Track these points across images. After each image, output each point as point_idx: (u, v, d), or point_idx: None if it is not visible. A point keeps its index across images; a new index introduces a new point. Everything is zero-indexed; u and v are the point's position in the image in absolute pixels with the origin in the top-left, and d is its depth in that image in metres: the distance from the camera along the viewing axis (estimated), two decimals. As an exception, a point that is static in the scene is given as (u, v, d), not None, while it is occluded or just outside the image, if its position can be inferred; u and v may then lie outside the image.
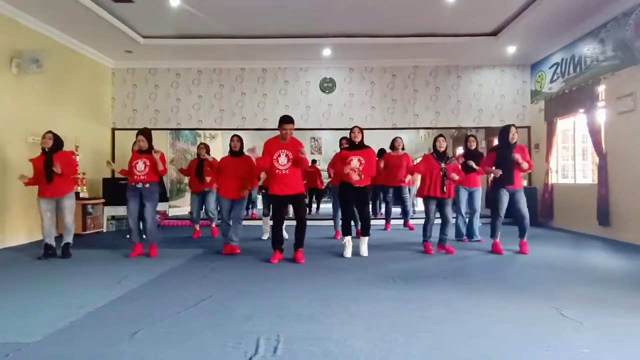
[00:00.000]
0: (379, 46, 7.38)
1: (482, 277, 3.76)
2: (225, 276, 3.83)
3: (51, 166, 4.57)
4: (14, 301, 3.06)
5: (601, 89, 6.22)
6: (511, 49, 7.47)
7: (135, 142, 5.49)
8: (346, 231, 4.73)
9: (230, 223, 4.96)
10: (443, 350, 2.12)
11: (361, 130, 4.77)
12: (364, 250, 4.71)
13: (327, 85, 8.35)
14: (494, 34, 7.05)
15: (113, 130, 8.21)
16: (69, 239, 4.79)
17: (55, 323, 2.53)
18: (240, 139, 5.17)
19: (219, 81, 8.29)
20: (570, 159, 7.45)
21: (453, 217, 5.08)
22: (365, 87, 8.34)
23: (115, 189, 7.30)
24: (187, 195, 8.83)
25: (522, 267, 4.14)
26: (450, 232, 5.06)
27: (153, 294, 3.25)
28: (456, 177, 4.71)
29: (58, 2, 5.49)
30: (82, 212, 6.69)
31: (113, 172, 8.00)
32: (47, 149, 4.68)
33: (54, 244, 4.72)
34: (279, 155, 4.33)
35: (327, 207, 9.68)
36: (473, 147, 5.66)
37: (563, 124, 7.45)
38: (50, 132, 4.77)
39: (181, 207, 10.51)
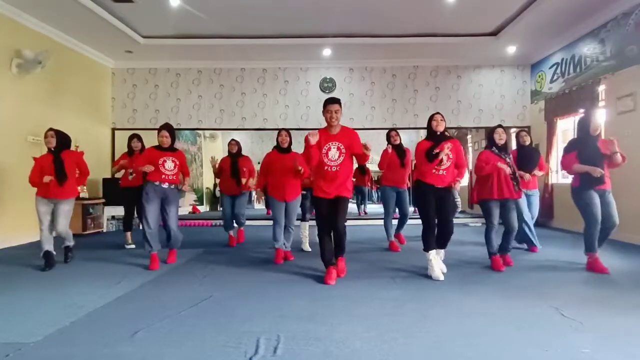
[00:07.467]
0: (379, 46, 7.38)
1: (482, 277, 3.75)
2: (225, 276, 3.83)
3: (62, 167, 4.17)
4: (14, 301, 3.06)
5: (601, 89, 6.22)
6: (511, 49, 7.47)
7: (131, 140, 5.46)
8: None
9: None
10: (443, 350, 2.11)
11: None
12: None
13: (327, 85, 8.36)
14: (494, 34, 7.06)
15: (113, 130, 8.22)
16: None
17: (55, 323, 2.53)
18: (289, 134, 4.59)
19: (219, 81, 8.30)
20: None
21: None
22: (365, 87, 8.34)
23: (115, 189, 7.32)
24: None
25: (522, 267, 4.13)
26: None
27: (153, 294, 3.25)
28: (528, 177, 3.94)
29: (58, 2, 5.50)
30: (82, 212, 6.68)
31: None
32: (52, 148, 4.25)
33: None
34: (329, 149, 3.58)
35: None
36: (527, 143, 4.87)
37: (563, 124, 7.46)
38: (51, 129, 4.31)
39: (181, 206, 10.50)
